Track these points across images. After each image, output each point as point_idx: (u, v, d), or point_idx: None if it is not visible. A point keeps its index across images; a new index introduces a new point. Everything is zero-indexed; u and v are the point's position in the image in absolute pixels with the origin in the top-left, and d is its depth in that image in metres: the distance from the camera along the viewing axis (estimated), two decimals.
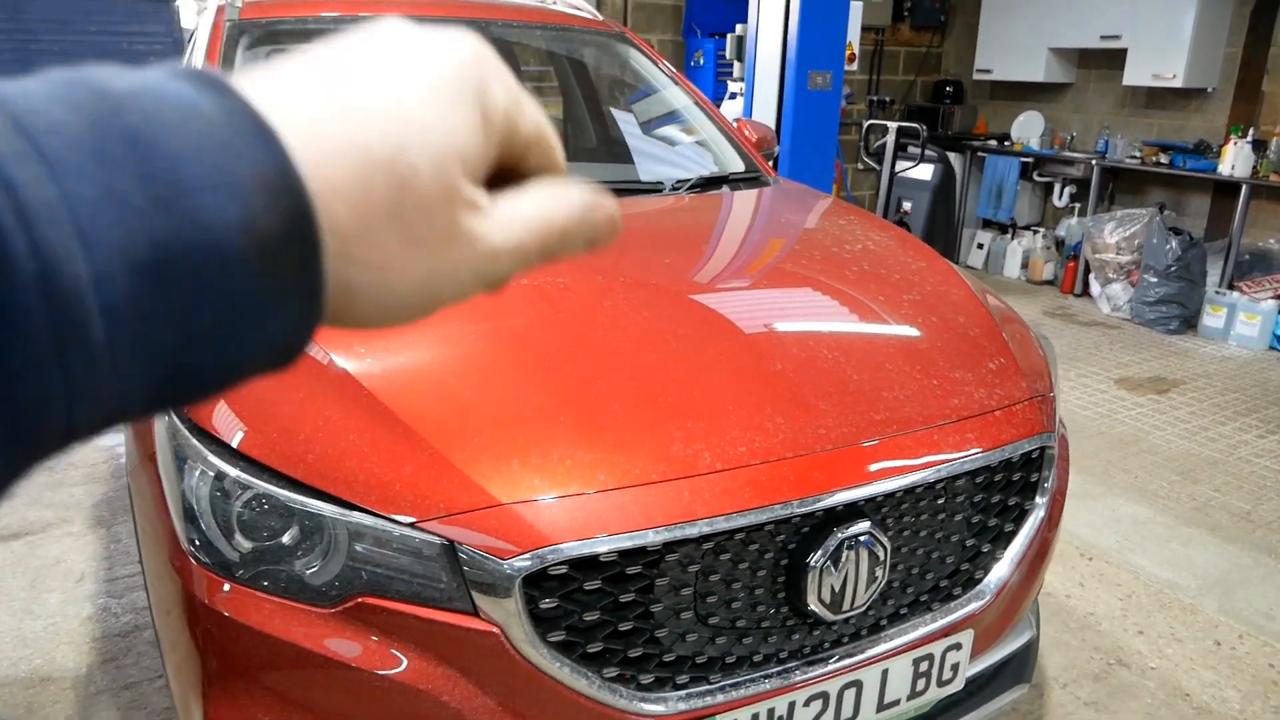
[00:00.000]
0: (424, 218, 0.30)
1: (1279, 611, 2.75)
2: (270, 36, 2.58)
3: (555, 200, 0.35)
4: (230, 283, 0.26)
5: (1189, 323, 5.70)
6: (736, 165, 2.64)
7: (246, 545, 1.25)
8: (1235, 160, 5.60)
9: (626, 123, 2.98)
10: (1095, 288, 6.25)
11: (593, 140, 3.06)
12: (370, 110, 0.29)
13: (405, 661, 1.22)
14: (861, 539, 1.34)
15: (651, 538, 1.20)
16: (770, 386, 1.44)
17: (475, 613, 1.19)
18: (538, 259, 0.36)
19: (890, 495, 1.39)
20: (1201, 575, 2.95)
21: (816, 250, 2.02)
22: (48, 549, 2.88)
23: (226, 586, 1.25)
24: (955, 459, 1.44)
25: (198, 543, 1.27)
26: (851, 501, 1.34)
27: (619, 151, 2.99)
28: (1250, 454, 3.91)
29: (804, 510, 1.29)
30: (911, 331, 1.69)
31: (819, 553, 1.31)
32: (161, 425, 1.38)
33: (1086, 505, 3.37)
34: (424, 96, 0.30)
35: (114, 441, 3.64)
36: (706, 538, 1.25)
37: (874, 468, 1.37)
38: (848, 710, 1.42)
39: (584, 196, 0.36)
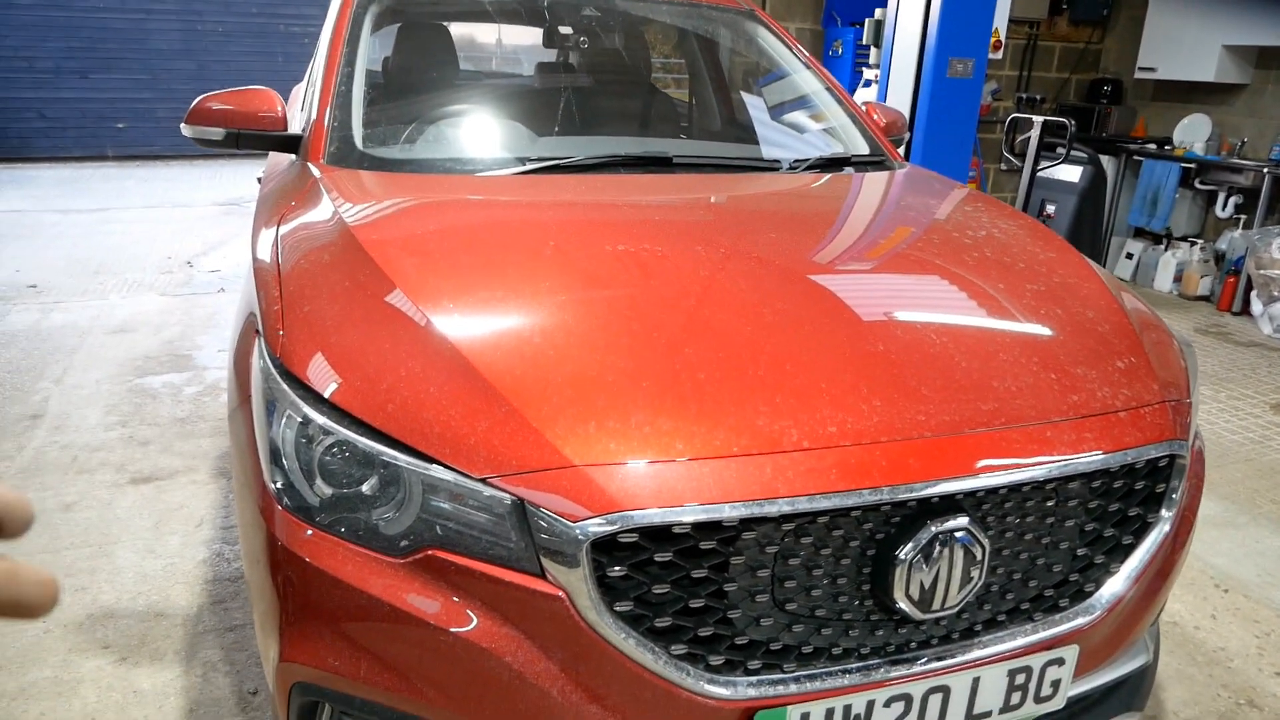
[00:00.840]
0: None
1: None
2: (395, 12, 2.64)
3: None
4: None
5: None
6: (860, 148, 2.54)
7: (327, 491, 1.27)
8: None
9: (752, 103, 2.91)
10: (1256, 306, 5.76)
11: (716, 120, 3.00)
12: None
13: (471, 618, 1.20)
14: (958, 535, 1.24)
15: (728, 513, 1.15)
16: (869, 367, 1.36)
17: (542, 574, 1.17)
18: None
19: (993, 491, 1.29)
20: None
21: (935, 234, 1.91)
22: (173, 494, 3.05)
23: (308, 531, 1.27)
24: (1070, 459, 1.32)
25: (281, 485, 1.29)
26: (949, 494, 1.25)
27: (739, 131, 2.93)
28: None
29: (896, 499, 1.21)
30: (1031, 322, 1.57)
31: (909, 545, 1.23)
32: (257, 369, 1.41)
33: (1227, 534, 3.10)
34: None
35: None
36: (787, 518, 1.19)
37: (978, 461, 1.27)
38: (933, 716, 1.33)
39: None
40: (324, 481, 1.27)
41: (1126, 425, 1.41)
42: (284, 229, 1.72)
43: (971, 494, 1.27)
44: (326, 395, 1.29)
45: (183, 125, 2.20)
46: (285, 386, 1.32)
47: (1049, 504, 1.36)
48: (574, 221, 1.79)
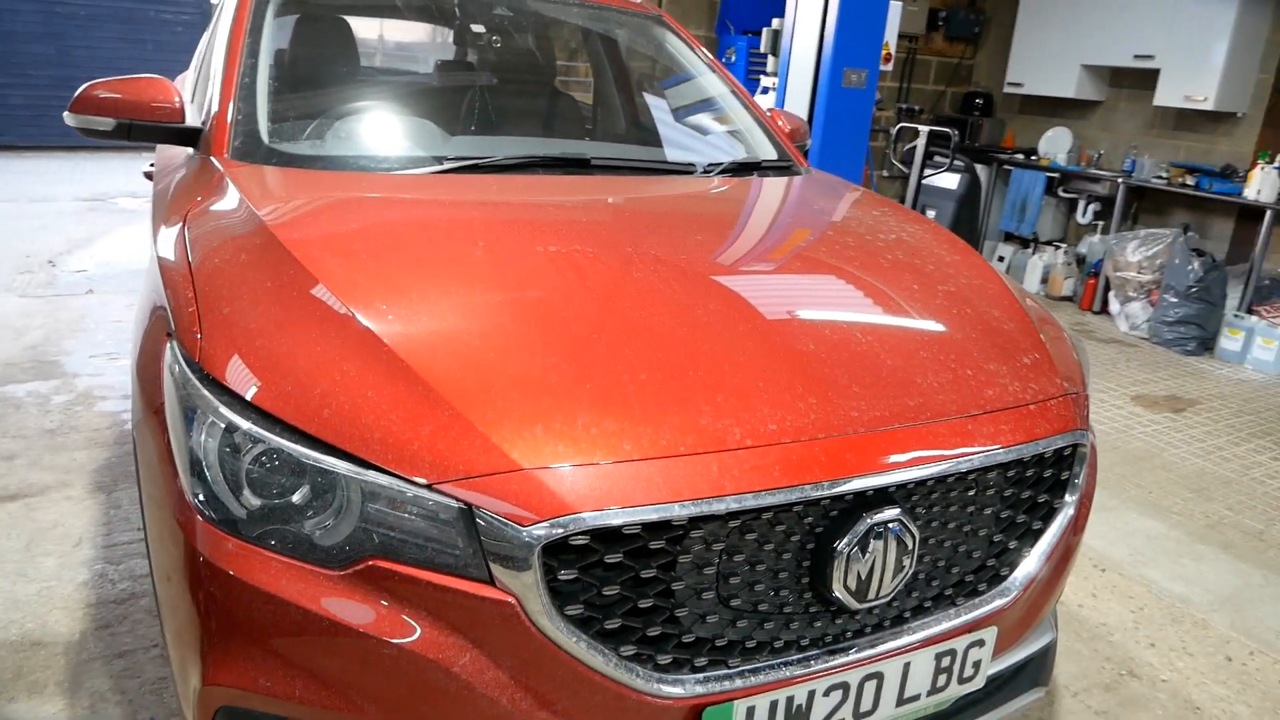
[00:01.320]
0: None
1: None
2: (299, 1, 2.55)
3: None
4: None
5: (1206, 344, 5.64)
6: (769, 154, 2.60)
7: (255, 502, 1.21)
8: (1261, 185, 5.54)
9: (658, 107, 2.94)
10: (1114, 305, 6.19)
11: (622, 122, 3.02)
12: None
13: (416, 629, 1.17)
14: (891, 526, 1.29)
15: (678, 511, 1.16)
16: (802, 367, 1.40)
17: (491, 581, 1.15)
18: None
19: (922, 483, 1.35)
20: (1213, 591, 2.90)
21: (850, 238, 1.98)
22: (45, 512, 2.85)
23: (231, 544, 1.21)
24: (989, 450, 1.40)
25: (203, 498, 1.23)
26: (883, 486, 1.30)
27: (649, 135, 2.95)
28: (1264, 475, 3.86)
29: (835, 492, 1.25)
30: (946, 322, 1.65)
31: (847, 538, 1.27)
32: (170, 376, 1.34)
33: (1101, 517, 3.33)
34: None
35: (119, 408, 3.61)
36: (734, 515, 1.21)
37: (906, 454, 1.33)
38: (867, 703, 1.38)
39: None
40: (251, 492, 1.22)
41: (1036, 417, 1.49)
42: (192, 227, 1.64)
43: (903, 486, 1.33)
44: (253, 400, 1.23)
45: (66, 114, 2.06)
46: (206, 392, 1.26)
47: (970, 494, 1.43)
48: (501, 222, 1.77)
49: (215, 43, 2.47)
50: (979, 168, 6.93)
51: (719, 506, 1.18)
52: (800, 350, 1.43)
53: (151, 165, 2.99)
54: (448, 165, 2.05)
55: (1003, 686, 1.63)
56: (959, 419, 1.41)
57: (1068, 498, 1.57)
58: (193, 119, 2.20)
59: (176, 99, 2.11)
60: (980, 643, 1.47)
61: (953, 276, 1.84)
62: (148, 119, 2.07)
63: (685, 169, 2.39)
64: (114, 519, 2.83)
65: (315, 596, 1.18)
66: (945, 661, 1.44)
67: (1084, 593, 2.83)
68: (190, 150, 2.16)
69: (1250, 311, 5.59)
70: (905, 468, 1.32)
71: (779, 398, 1.32)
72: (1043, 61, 6.98)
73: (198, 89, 2.84)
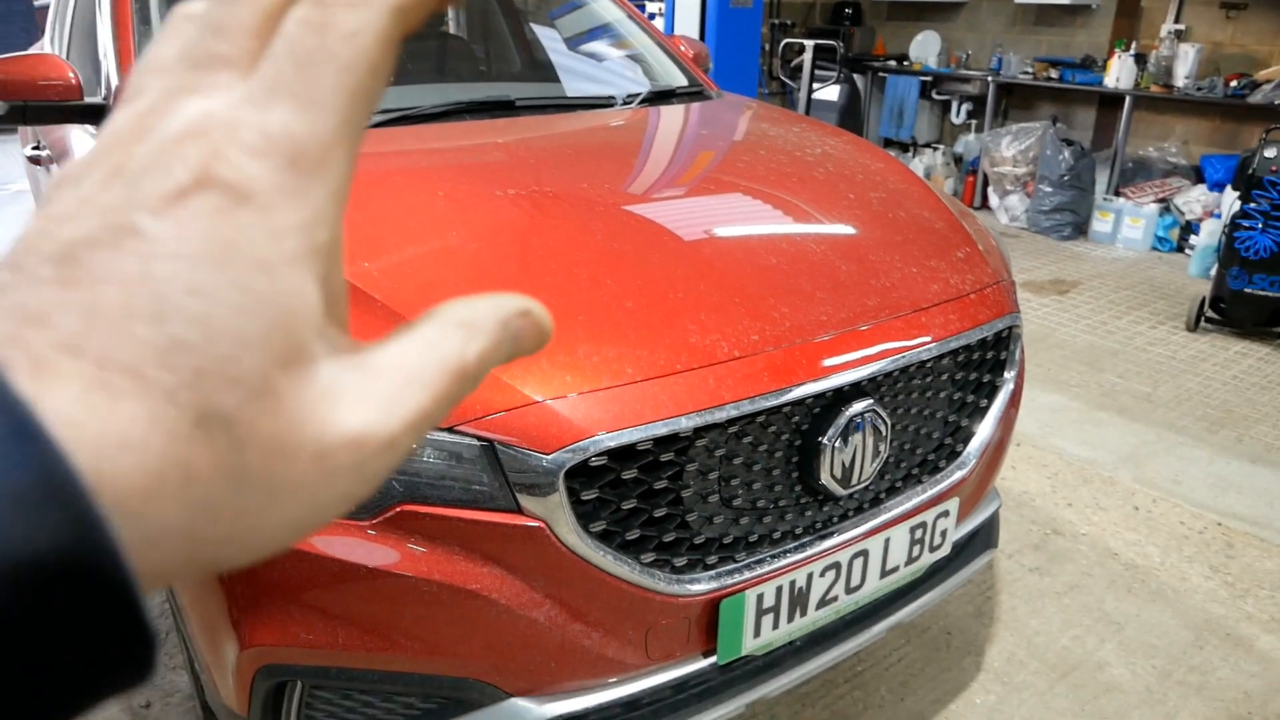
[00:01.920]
0: (282, 459, 0.22)
1: (1184, 477, 3.02)
2: None
3: (465, 334, 0.25)
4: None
5: (1080, 229, 6.03)
6: (680, 80, 2.65)
7: None
8: (1119, 74, 5.89)
9: (551, 38, 2.93)
10: (994, 200, 6.53)
11: (528, 61, 3.00)
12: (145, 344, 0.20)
13: (451, 564, 1.24)
14: (866, 416, 1.42)
15: (685, 424, 1.25)
16: (770, 280, 1.49)
17: (519, 509, 1.22)
18: (442, 416, 0.25)
19: (889, 375, 1.47)
20: (1115, 451, 3.20)
21: (783, 156, 2.07)
22: None
23: None
24: (946, 339, 1.53)
25: None
26: (856, 381, 1.41)
27: (551, 70, 2.95)
28: (1145, 343, 4.22)
29: (817, 389, 1.36)
30: (886, 226, 1.77)
31: (830, 430, 1.39)
32: None
33: None
34: (214, 280, 0.21)
35: None
36: (732, 421, 1.31)
37: (874, 348, 1.45)
38: (856, 578, 1.52)
39: (499, 313, 0.26)
40: None
41: (978, 305, 1.64)
42: None
43: (873, 378, 1.45)
44: None
45: None
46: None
47: (928, 379, 1.57)
48: (453, 169, 1.78)
49: (95, 11, 2.35)
50: (855, 77, 7.12)
51: (720, 415, 1.28)
52: (766, 265, 1.53)
53: (35, 148, 2.83)
54: (380, 118, 2.03)
55: (964, 551, 1.81)
56: (913, 313, 1.54)
57: (1007, 374, 1.73)
58: (89, 95, 2.11)
59: (71, 75, 2.01)
60: (946, 513, 1.63)
61: (880, 183, 1.96)
62: (44, 98, 1.97)
63: (606, 102, 2.43)
64: None
65: (348, 547, 1.23)
66: (919, 533, 1.59)
67: (1005, 467, 3.08)
68: (92, 129, 2.07)
69: (1117, 194, 5.99)
70: (874, 361, 1.44)
71: (756, 310, 1.41)
72: None
73: (73, 63, 2.68)
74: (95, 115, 2.03)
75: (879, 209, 1.82)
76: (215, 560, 0.22)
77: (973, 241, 1.81)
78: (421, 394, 0.24)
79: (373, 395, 0.23)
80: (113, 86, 2.02)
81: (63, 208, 0.21)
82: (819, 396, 1.39)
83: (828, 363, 1.39)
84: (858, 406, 1.41)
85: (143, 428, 0.20)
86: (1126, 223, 5.80)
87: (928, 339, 1.51)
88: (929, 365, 1.55)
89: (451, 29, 3.07)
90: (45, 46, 3.76)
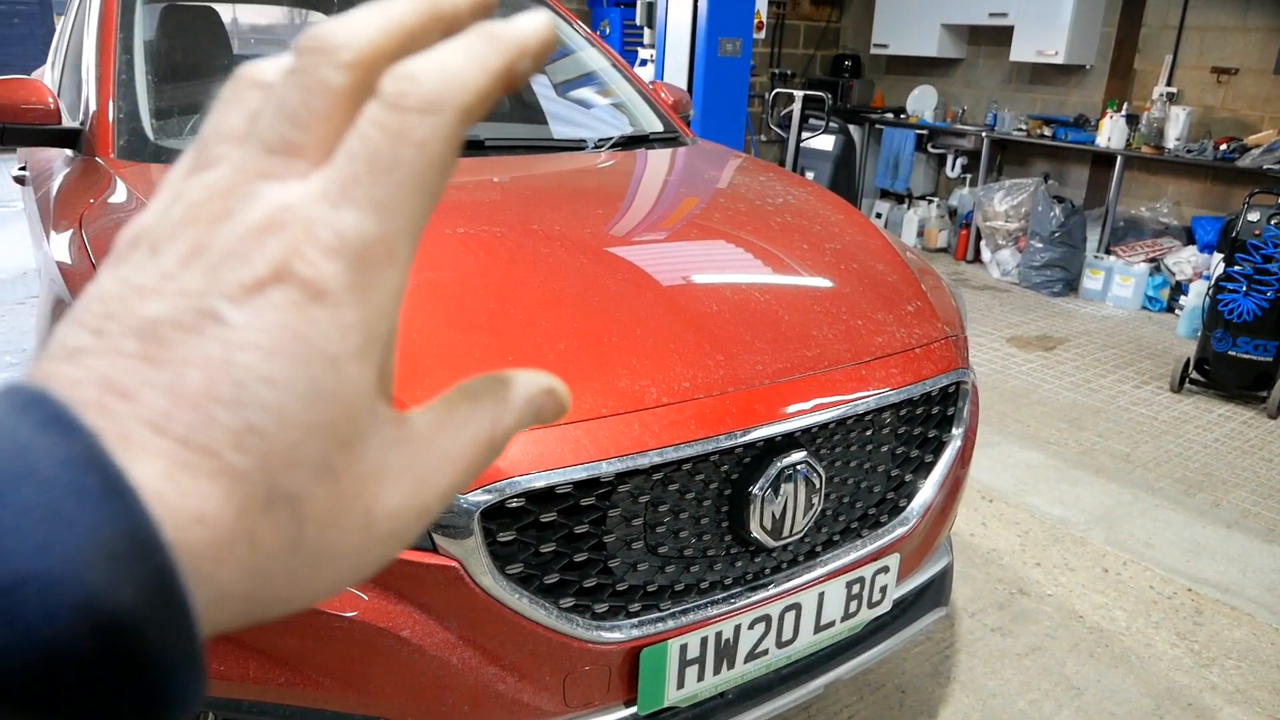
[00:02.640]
0: (334, 530, 0.24)
1: (1157, 540, 2.99)
2: None
3: (496, 413, 0.29)
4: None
5: (1071, 285, 6.05)
6: (655, 125, 2.68)
7: None
8: (1111, 133, 5.94)
9: (539, 83, 2.98)
10: (986, 254, 6.56)
11: (507, 101, 3.04)
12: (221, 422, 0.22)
13: (363, 599, 1.23)
14: (799, 468, 1.41)
15: (606, 469, 1.24)
16: (708, 328, 1.49)
17: (434, 549, 1.21)
18: (469, 483, 0.29)
19: (824, 426, 1.47)
20: (1089, 511, 3.17)
21: (741, 204, 2.08)
22: None
23: None
24: (881, 392, 1.53)
25: None
26: (789, 432, 1.41)
27: (536, 113, 2.99)
28: (1128, 403, 4.21)
29: (746, 440, 1.35)
30: (836, 277, 1.77)
31: (760, 481, 1.38)
32: None
33: (985, 453, 3.58)
34: (282, 368, 0.23)
35: None
36: (657, 468, 1.30)
37: (809, 401, 1.44)
38: (788, 632, 1.50)
39: (528, 391, 0.29)
40: None
41: (922, 359, 1.63)
42: (90, 229, 1.61)
43: (807, 430, 1.44)
44: None
45: None
46: None
47: (867, 433, 1.56)
48: None
49: (84, 37, 2.39)
50: (852, 128, 7.20)
51: (642, 461, 1.27)
52: (705, 312, 1.53)
53: (22, 169, 2.86)
54: None
55: (909, 609, 1.78)
56: (853, 365, 1.54)
57: (954, 430, 1.72)
58: (68, 120, 2.14)
59: (50, 99, 2.05)
60: (885, 569, 1.61)
61: (837, 235, 1.97)
62: (22, 121, 2.01)
63: (577, 145, 2.45)
64: None
65: None
66: (855, 589, 1.57)
67: (974, 523, 3.05)
68: (69, 152, 2.10)
69: (1108, 252, 6.01)
70: (808, 414, 1.43)
71: (689, 357, 1.41)
72: (905, 22, 7.28)
73: (65, 86, 2.73)
74: (69, 139, 2.06)
75: (830, 260, 1.83)
76: (263, 616, 0.25)
77: (924, 296, 1.81)
78: (455, 469, 0.27)
79: (414, 473, 0.26)
80: (90, 112, 2.05)
81: (144, 279, 0.23)
82: (749, 446, 1.38)
83: (759, 412, 1.38)
84: (790, 458, 1.40)
85: (217, 504, 0.22)
86: (1117, 281, 5.81)
87: (866, 392, 1.51)
88: (868, 419, 1.54)
89: None
90: (47, 71, 3.82)
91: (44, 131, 2.03)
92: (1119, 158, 5.91)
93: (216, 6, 2.77)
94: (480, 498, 1.19)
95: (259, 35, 5.44)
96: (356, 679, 1.25)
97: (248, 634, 1.24)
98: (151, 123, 2.01)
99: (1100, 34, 6.42)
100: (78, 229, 1.63)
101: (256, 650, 1.24)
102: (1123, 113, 5.94)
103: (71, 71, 2.64)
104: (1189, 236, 5.90)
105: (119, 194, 1.73)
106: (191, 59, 2.50)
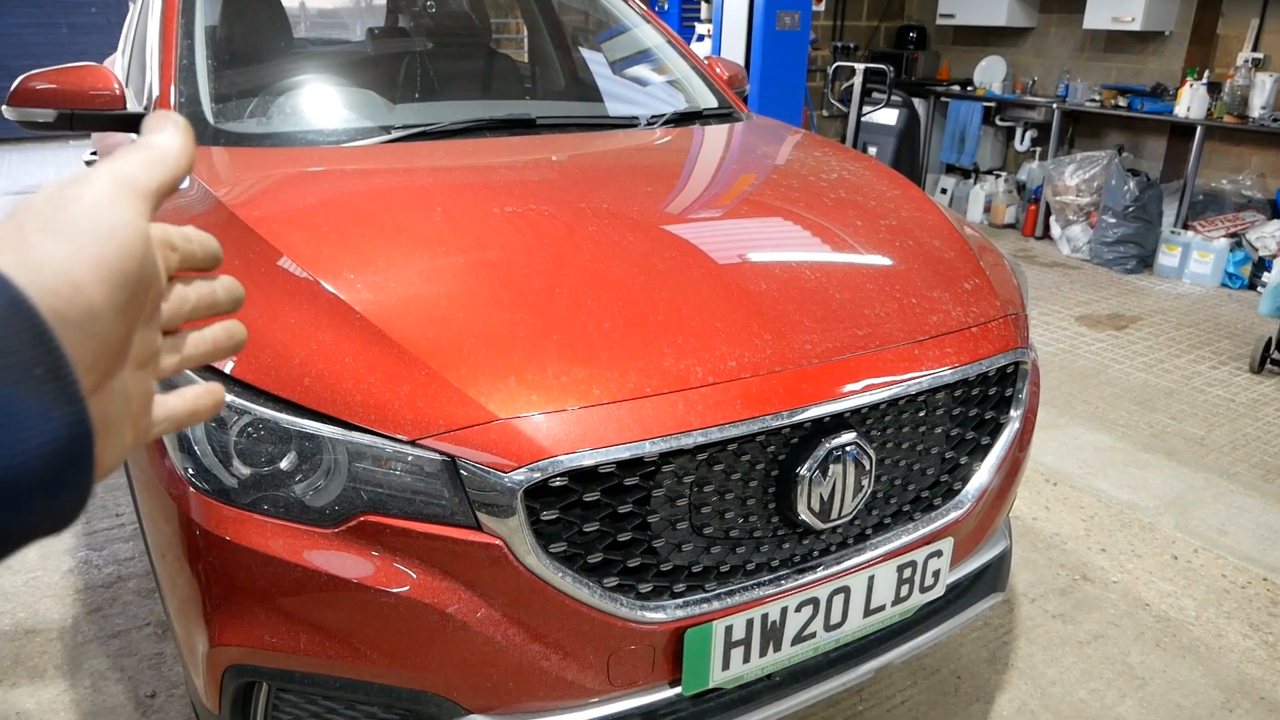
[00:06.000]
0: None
1: (1230, 527, 2.88)
2: None
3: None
4: None
5: (1145, 262, 5.83)
6: (710, 102, 2.64)
7: (245, 471, 1.26)
8: (1191, 103, 5.69)
9: (596, 61, 2.96)
10: (1055, 230, 6.36)
11: (562, 79, 3.04)
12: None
13: (410, 576, 1.24)
14: (848, 449, 1.38)
15: (648, 448, 1.24)
16: (756, 305, 1.47)
17: (478, 526, 1.22)
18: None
19: (875, 407, 1.43)
20: (1159, 496, 3.06)
21: (794, 180, 2.04)
22: None
23: (226, 512, 1.26)
24: (936, 373, 1.49)
25: (193, 472, 1.28)
26: (838, 413, 1.38)
27: (590, 90, 2.98)
28: (1203, 384, 4.05)
29: (793, 421, 1.33)
30: (890, 254, 1.73)
31: (808, 463, 1.35)
32: None
33: (1051, 435, 3.48)
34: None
35: None
36: (701, 448, 1.29)
37: (859, 381, 1.41)
38: (836, 615, 1.48)
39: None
40: (241, 462, 1.27)
41: (979, 339, 1.58)
42: None
43: (856, 411, 1.41)
44: (233, 375, 1.28)
45: (4, 108, 2.05)
46: (188, 370, 1.30)
47: (921, 414, 1.52)
48: (456, 186, 1.80)
49: (147, 24, 2.45)
50: (916, 101, 7.02)
51: (686, 441, 1.26)
52: (753, 290, 1.50)
53: (93, 155, 2.95)
54: (395, 134, 2.07)
55: (963, 594, 1.74)
56: (906, 345, 1.50)
57: (1012, 413, 1.67)
58: (133, 104, 2.19)
59: (116, 86, 2.10)
60: (939, 553, 1.57)
61: (893, 211, 1.92)
62: (89, 107, 2.07)
63: (629, 122, 2.43)
64: (91, 506, 2.84)
65: (311, 554, 1.24)
66: (907, 573, 1.54)
67: (1038, 506, 2.97)
68: (134, 136, 2.15)
69: (1186, 227, 5.78)
70: (858, 394, 1.40)
71: (736, 336, 1.39)
72: None
73: (132, 73, 2.80)
74: (133, 124, 2.11)
75: (885, 236, 1.78)
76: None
77: (983, 273, 1.75)
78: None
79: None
80: (153, 97, 2.10)
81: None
82: (796, 427, 1.36)
83: (807, 392, 1.36)
84: (839, 439, 1.37)
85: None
86: (1194, 257, 5.58)
87: (919, 372, 1.47)
88: (921, 400, 1.50)
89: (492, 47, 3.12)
90: (117, 58, 3.94)
91: (110, 117, 2.08)
92: (1199, 128, 5.66)
93: None
94: (522, 476, 1.19)
95: (325, 19, 5.51)
96: (404, 653, 1.27)
97: (296, 607, 1.27)
98: (211, 106, 2.05)
99: None
100: None
101: (308, 623, 1.27)
102: (1203, 81, 5.69)
103: (138, 58, 2.70)
104: (1273, 210, 5.63)
105: None
106: (252, 44, 2.55)
